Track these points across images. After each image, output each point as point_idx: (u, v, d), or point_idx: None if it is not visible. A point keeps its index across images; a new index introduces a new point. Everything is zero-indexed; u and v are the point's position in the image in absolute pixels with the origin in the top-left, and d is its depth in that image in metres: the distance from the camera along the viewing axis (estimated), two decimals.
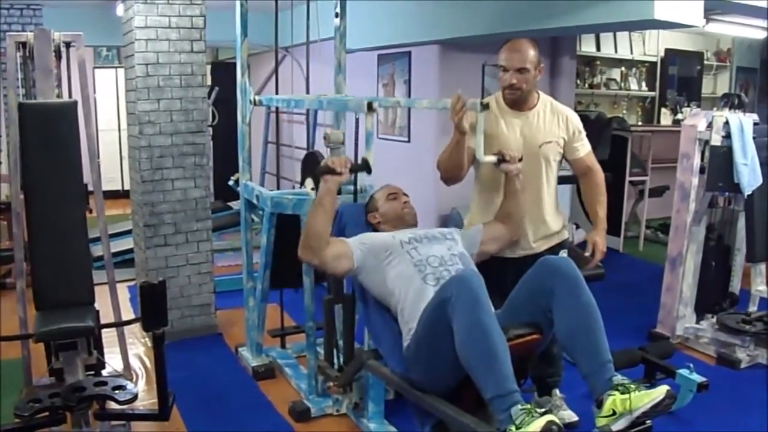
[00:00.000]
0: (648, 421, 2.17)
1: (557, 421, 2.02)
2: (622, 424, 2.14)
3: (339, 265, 2.73)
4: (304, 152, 4.17)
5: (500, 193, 3.03)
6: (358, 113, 3.06)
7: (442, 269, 2.64)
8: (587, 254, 3.13)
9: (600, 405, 2.20)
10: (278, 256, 3.78)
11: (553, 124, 3.11)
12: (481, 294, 2.29)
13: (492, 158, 2.87)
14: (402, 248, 2.72)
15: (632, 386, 2.18)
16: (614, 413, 2.14)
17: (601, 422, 2.18)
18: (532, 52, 2.97)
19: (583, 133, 3.22)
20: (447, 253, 2.74)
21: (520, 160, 2.89)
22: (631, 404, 2.12)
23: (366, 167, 2.84)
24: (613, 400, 2.15)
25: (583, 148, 3.21)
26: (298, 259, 2.79)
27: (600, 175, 3.27)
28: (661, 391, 2.12)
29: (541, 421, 2.01)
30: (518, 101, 3.07)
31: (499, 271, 2.98)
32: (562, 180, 3.35)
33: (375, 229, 3.03)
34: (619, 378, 2.23)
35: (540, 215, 3.14)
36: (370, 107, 2.80)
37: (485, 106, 2.75)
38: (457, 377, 2.35)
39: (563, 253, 3.18)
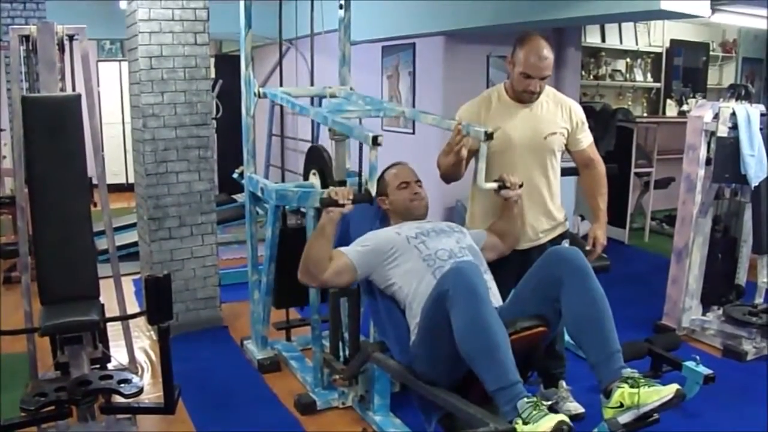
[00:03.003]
0: (655, 414, 2.16)
1: (568, 421, 2.00)
2: (628, 417, 2.13)
3: (341, 279, 2.72)
4: (308, 145, 4.15)
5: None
6: (363, 142, 3.01)
7: (451, 262, 2.59)
8: (588, 248, 3.17)
9: (608, 395, 2.19)
10: (281, 274, 3.80)
11: (557, 115, 3.13)
12: (479, 285, 2.27)
13: (493, 185, 2.89)
14: (409, 244, 2.70)
15: (641, 380, 2.16)
16: (621, 405, 2.13)
17: (608, 413, 2.17)
18: (552, 57, 2.99)
19: (586, 125, 3.23)
20: (456, 245, 2.72)
21: (521, 186, 2.89)
22: (640, 399, 2.10)
23: (368, 198, 2.82)
24: (621, 393, 2.14)
25: (586, 139, 3.23)
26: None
27: (602, 167, 3.28)
28: (670, 390, 2.10)
29: (551, 421, 1.99)
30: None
31: (505, 263, 2.99)
32: (567, 172, 3.35)
33: (384, 215, 3.02)
34: (628, 371, 2.21)
35: (545, 206, 3.16)
36: (375, 141, 2.75)
37: (489, 136, 2.77)
38: (461, 370, 2.34)
39: (565, 243, 3.20)
